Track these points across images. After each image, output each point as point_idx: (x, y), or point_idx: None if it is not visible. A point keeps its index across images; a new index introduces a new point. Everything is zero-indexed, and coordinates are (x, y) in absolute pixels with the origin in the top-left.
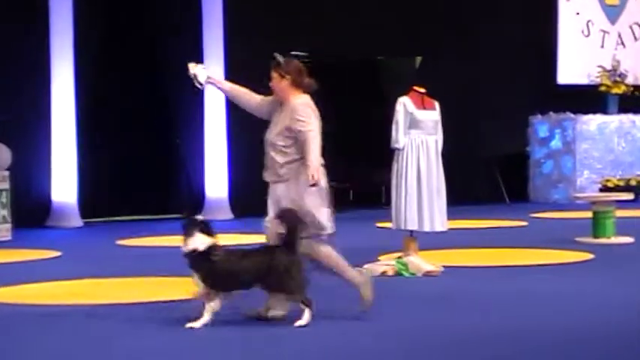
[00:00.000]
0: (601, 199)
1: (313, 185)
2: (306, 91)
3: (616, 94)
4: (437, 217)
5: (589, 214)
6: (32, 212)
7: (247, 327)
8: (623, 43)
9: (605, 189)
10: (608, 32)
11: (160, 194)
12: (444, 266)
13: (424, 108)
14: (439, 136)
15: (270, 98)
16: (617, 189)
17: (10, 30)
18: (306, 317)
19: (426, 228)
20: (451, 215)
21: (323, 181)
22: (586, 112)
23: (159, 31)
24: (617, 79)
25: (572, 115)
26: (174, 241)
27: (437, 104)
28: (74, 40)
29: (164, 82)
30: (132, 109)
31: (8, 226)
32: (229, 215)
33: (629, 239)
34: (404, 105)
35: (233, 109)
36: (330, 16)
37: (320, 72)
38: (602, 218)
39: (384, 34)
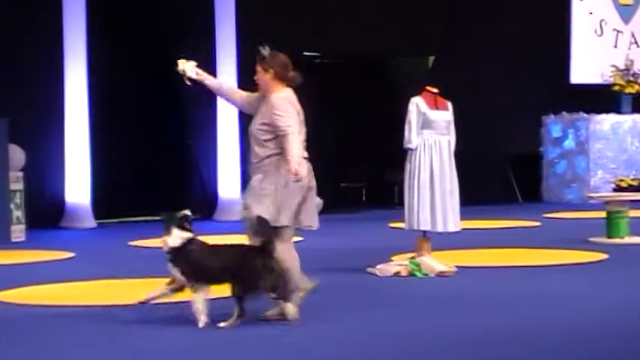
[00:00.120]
0: (615, 199)
1: (297, 180)
2: (290, 85)
3: (629, 94)
4: (450, 218)
5: (603, 214)
6: (46, 213)
7: (257, 328)
8: (636, 43)
9: (618, 189)
10: (621, 31)
11: (174, 195)
12: (457, 266)
13: (437, 108)
14: (452, 137)
15: (256, 94)
16: (630, 189)
17: (24, 31)
18: (230, 321)
19: (439, 228)
20: (464, 215)
21: (305, 176)
22: (599, 112)
23: (172, 32)
24: (631, 78)
25: (585, 115)
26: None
27: (450, 104)
28: (87, 41)
29: (177, 82)
30: (145, 109)
31: (22, 227)
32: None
33: None
34: (417, 105)
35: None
36: (342, 16)
37: (333, 72)
38: (616, 218)
39: (397, 34)
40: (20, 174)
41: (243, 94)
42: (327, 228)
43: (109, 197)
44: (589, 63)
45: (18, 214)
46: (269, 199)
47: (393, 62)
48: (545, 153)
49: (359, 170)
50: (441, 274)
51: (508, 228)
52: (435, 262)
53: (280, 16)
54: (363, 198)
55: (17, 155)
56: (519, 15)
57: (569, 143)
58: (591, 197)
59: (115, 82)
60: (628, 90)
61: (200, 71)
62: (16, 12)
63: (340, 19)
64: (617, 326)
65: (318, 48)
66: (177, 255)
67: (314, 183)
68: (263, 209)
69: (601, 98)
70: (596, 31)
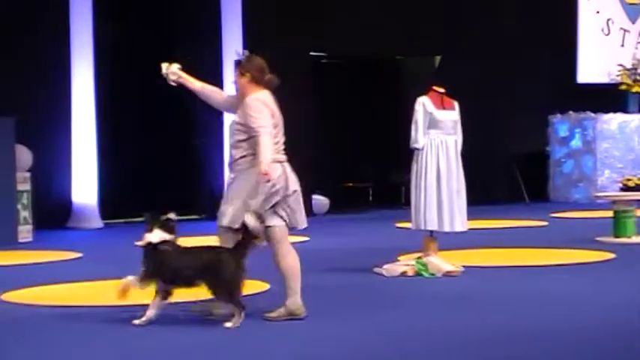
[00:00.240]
0: (622, 199)
1: (267, 181)
2: (267, 87)
3: (636, 93)
4: (457, 217)
5: (610, 214)
6: (53, 213)
7: (260, 328)
8: None
9: (625, 188)
10: (628, 31)
11: (180, 195)
12: (463, 266)
13: (443, 108)
14: (459, 136)
15: (236, 95)
16: (637, 188)
17: (31, 31)
18: (235, 320)
19: (446, 228)
20: (471, 215)
21: (276, 178)
22: (606, 111)
23: (178, 32)
24: (638, 77)
25: (592, 115)
26: (196, 242)
27: (456, 104)
28: (94, 42)
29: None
30: (152, 110)
31: (29, 227)
32: None
33: None
34: (423, 105)
35: None
36: (348, 16)
37: (339, 72)
38: (623, 217)
39: (404, 34)
40: (27, 174)
41: (225, 95)
42: (334, 228)
43: (116, 198)
44: (596, 62)
45: (25, 214)
46: (240, 200)
47: (399, 62)
48: (552, 152)
49: (365, 170)
50: (447, 274)
51: (515, 228)
52: (442, 262)
53: (286, 16)
54: (370, 198)
55: (24, 156)
56: (526, 14)
57: (576, 143)
58: (598, 197)
59: (122, 82)
60: (635, 89)
61: (182, 74)
62: (22, 12)
63: (346, 19)
64: (623, 326)
65: (324, 48)
66: (150, 253)
67: (294, 185)
68: (231, 211)
69: (608, 97)
70: (603, 31)
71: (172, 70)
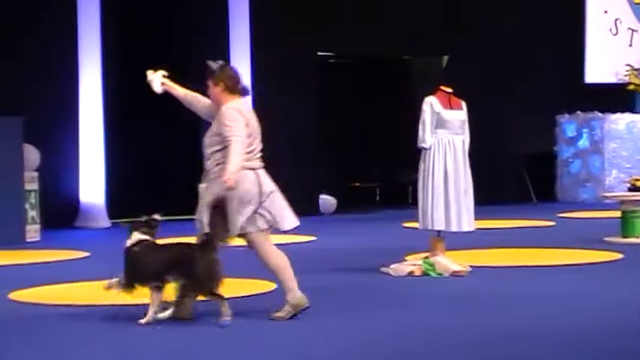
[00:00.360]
0: (630, 199)
1: (229, 189)
2: (242, 96)
3: None
4: (464, 217)
5: (617, 214)
6: (60, 213)
7: (264, 327)
8: None
9: (633, 188)
10: (636, 30)
11: (188, 194)
12: (471, 266)
13: (451, 108)
14: (466, 136)
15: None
16: None
17: (38, 31)
18: (226, 313)
19: (454, 228)
20: (478, 215)
21: (243, 186)
22: (614, 111)
23: (186, 32)
24: None
25: (600, 114)
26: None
27: (464, 104)
28: (102, 41)
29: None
30: (159, 109)
31: (37, 226)
32: None
33: None
34: (431, 104)
35: (258, 111)
36: (356, 16)
37: (346, 72)
38: (631, 218)
39: (411, 33)
40: (35, 174)
41: (206, 102)
42: (341, 228)
43: (124, 197)
44: (604, 62)
45: (33, 214)
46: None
47: (407, 62)
48: (559, 152)
49: (372, 170)
50: (455, 274)
51: (522, 228)
52: (449, 262)
53: (294, 16)
54: (377, 198)
55: (32, 155)
56: (534, 15)
57: (583, 143)
58: (606, 197)
59: (129, 81)
60: None
61: (167, 81)
62: (30, 11)
63: (354, 19)
64: (630, 325)
65: (331, 48)
66: (125, 256)
67: (269, 187)
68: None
69: (616, 97)
70: (611, 30)
71: (158, 78)
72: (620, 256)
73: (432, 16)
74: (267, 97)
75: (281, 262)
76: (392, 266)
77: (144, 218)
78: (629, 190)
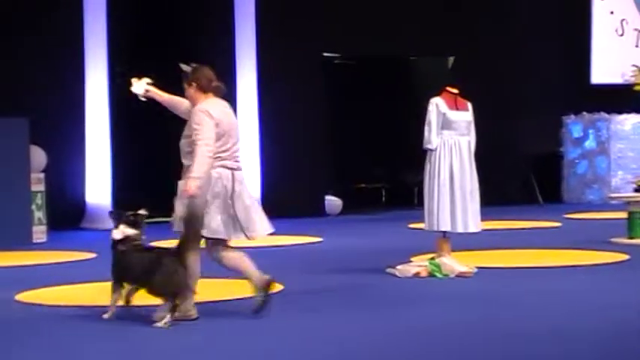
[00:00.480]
0: (636, 200)
1: (191, 197)
2: (216, 95)
3: None
4: (470, 218)
5: (624, 215)
6: (67, 214)
7: (267, 327)
8: None
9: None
10: None
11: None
12: (477, 267)
13: (457, 109)
14: (472, 137)
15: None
16: None
17: (44, 31)
18: (164, 319)
19: (460, 229)
20: (484, 216)
21: (216, 187)
22: (620, 112)
23: (192, 34)
24: None
25: (606, 115)
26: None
27: (470, 105)
28: (108, 42)
29: None
30: (166, 110)
31: (43, 227)
32: None
33: None
34: (436, 105)
35: (264, 112)
36: (361, 17)
37: (352, 73)
38: (637, 219)
39: (416, 34)
40: (41, 175)
41: (188, 104)
42: (347, 229)
43: (130, 198)
44: (610, 63)
45: (39, 215)
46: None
47: (412, 63)
48: (565, 153)
49: (378, 171)
50: (461, 275)
51: (528, 229)
52: (455, 263)
53: (299, 17)
54: (383, 199)
55: (39, 157)
56: (540, 15)
57: (589, 143)
58: (612, 198)
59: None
60: None
61: (152, 88)
62: (36, 13)
63: (359, 20)
64: (636, 325)
65: (337, 49)
66: (113, 249)
67: (240, 191)
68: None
69: (622, 98)
70: (617, 31)
71: (142, 85)
72: (626, 257)
73: (437, 16)
74: (273, 98)
75: (234, 255)
76: (398, 267)
77: (129, 213)
78: (636, 190)
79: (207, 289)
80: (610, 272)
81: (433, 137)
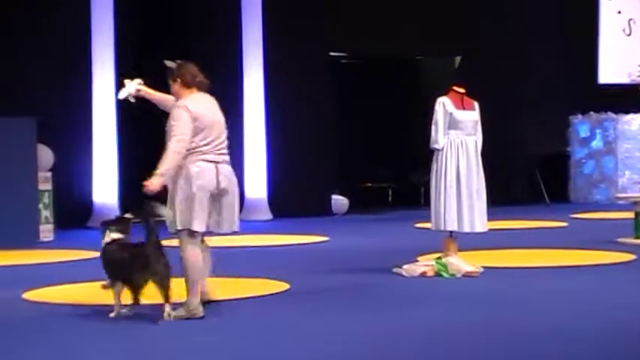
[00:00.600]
0: None
1: (149, 192)
2: (200, 90)
3: None
4: (477, 218)
5: (631, 215)
6: (74, 213)
7: (271, 327)
8: None
9: None
10: None
11: None
12: (483, 267)
13: (464, 108)
14: (479, 137)
15: None
16: None
17: (52, 31)
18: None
19: (466, 229)
20: (491, 216)
21: (198, 181)
22: (627, 112)
23: (199, 34)
24: None
25: (613, 115)
26: (215, 242)
27: (476, 104)
28: (115, 42)
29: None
30: None
31: (50, 226)
32: (269, 216)
33: None
34: (443, 105)
35: (271, 111)
36: (367, 16)
37: (359, 73)
38: None
39: (423, 34)
40: (49, 174)
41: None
42: (354, 228)
43: (137, 197)
44: (617, 63)
45: (46, 214)
46: (170, 204)
47: (419, 62)
48: (572, 153)
49: (385, 170)
50: (467, 275)
51: (535, 229)
52: (462, 263)
53: (306, 16)
54: (389, 198)
55: (46, 155)
56: (547, 15)
57: (596, 143)
58: (619, 198)
59: (143, 82)
60: None
61: (143, 88)
62: (43, 12)
63: (366, 20)
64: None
65: (343, 48)
66: (102, 254)
67: (226, 186)
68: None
69: (629, 98)
70: (624, 31)
71: (133, 85)
72: (632, 257)
73: (444, 16)
74: (280, 97)
75: (192, 259)
76: (404, 267)
77: (115, 217)
78: None
79: (213, 289)
80: (616, 272)
81: (440, 137)
